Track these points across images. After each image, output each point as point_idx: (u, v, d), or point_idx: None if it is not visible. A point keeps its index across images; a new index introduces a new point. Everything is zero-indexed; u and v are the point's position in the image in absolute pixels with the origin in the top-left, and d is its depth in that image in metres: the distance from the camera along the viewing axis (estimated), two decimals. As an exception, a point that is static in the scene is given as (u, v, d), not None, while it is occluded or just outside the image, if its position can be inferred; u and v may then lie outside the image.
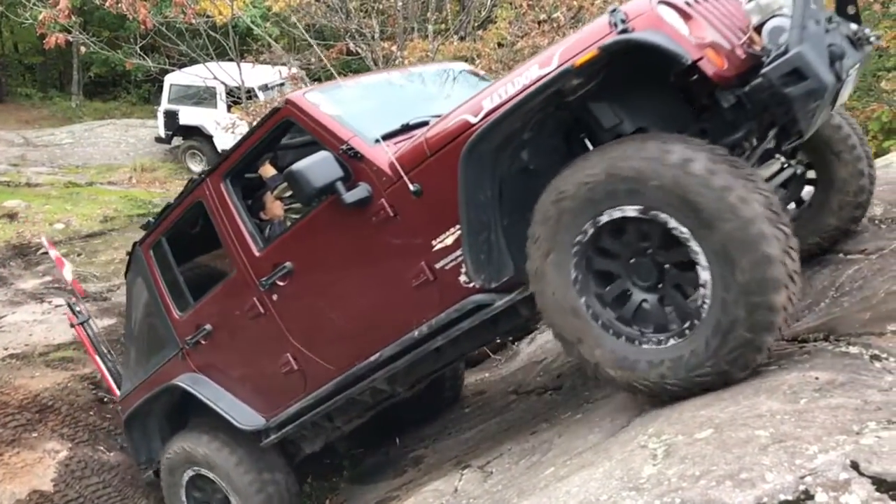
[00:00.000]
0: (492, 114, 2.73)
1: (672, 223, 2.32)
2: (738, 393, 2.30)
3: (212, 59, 9.91)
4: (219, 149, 13.97)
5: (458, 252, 2.94)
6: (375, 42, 9.15)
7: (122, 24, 17.00)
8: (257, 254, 3.68)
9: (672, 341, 2.42)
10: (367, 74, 4.85)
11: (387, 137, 3.17)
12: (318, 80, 10.53)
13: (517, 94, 2.67)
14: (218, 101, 13.86)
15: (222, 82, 10.50)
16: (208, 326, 4.04)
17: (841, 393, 2.06)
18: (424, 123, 3.20)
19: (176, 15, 9.13)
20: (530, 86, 2.63)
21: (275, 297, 3.64)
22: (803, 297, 3.23)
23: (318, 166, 3.09)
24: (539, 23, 7.98)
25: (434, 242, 3.03)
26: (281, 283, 3.60)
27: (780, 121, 2.56)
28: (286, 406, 3.82)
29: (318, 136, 3.32)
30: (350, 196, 3.11)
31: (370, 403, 3.86)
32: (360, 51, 9.41)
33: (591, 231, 2.49)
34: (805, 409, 1.99)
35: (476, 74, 4.24)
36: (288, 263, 3.54)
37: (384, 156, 3.11)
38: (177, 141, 15.54)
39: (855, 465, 1.67)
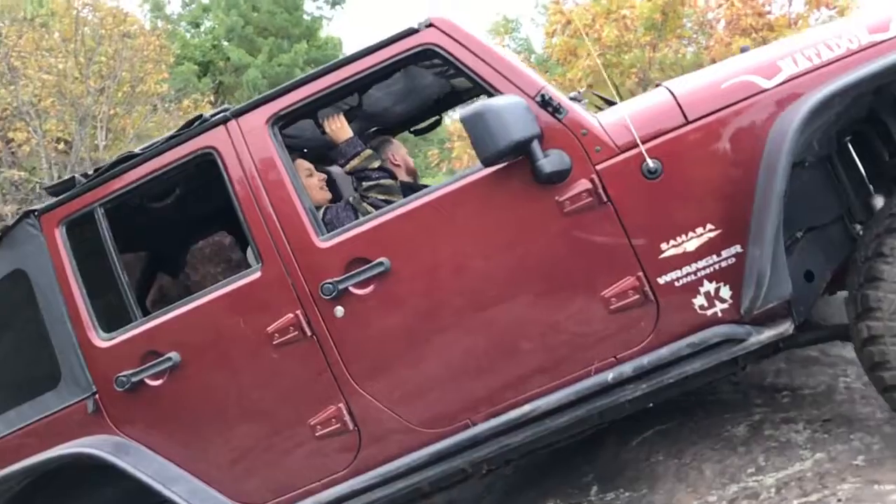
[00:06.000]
0: (795, 79, 2.19)
1: None
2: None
3: None
4: None
5: (703, 263, 2.21)
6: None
7: None
8: (319, 243, 2.45)
9: None
10: None
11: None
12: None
13: (842, 59, 2.18)
14: None
15: None
16: (173, 356, 2.54)
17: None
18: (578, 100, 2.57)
19: None
20: (860, 52, 2.17)
21: (339, 311, 2.42)
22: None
23: (514, 113, 2.15)
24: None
25: (664, 247, 2.23)
26: (359, 292, 2.41)
27: None
28: (306, 491, 2.49)
29: (483, 81, 2.36)
30: (548, 163, 2.21)
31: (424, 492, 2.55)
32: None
33: None
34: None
35: None
36: (384, 260, 2.38)
37: (592, 116, 2.31)
38: None
39: None
